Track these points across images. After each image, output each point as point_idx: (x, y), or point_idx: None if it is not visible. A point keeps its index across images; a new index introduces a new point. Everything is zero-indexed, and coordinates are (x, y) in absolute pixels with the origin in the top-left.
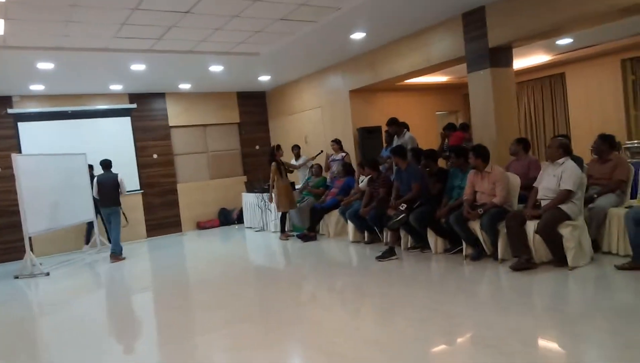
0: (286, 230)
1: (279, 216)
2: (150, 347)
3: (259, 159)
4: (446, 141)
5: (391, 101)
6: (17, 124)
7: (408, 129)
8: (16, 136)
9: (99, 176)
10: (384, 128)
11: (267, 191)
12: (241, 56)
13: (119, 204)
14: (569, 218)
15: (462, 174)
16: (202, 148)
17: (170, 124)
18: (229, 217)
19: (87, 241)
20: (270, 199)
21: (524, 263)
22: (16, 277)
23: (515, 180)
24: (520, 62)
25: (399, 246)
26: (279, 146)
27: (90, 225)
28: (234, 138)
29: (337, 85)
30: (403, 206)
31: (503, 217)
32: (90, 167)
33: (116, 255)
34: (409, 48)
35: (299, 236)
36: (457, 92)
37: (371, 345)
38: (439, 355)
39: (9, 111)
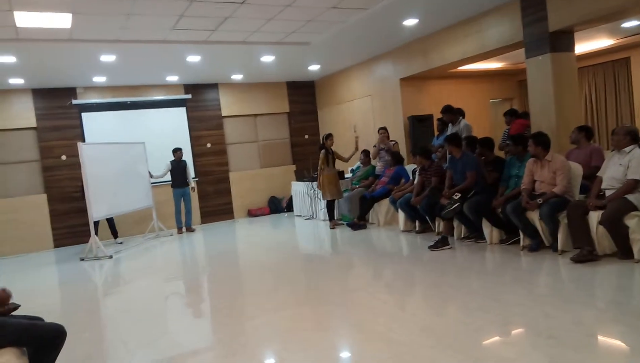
0: (335, 218)
1: (326, 205)
2: (209, 327)
3: (308, 148)
4: (505, 130)
5: (443, 88)
6: (81, 115)
7: (464, 117)
8: (80, 126)
9: (172, 161)
10: (436, 116)
11: (316, 179)
12: (292, 45)
13: (188, 185)
14: (635, 208)
15: (520, 163)
16: (253, 138)
17: (223, 114)
18: (279, 205)
19: (115, 235)
20: (318, 187)
21: (586, 254)
22: (82, 259)
23: (577, 169)
24: (582, 46)
25: (452, 236)
26: (329, 135)
27: (110, 221)
28: (283, 128)
29: (388, 73)
30: (457, 196)
31: (564, 207)
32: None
33: (189, 227)
34: (462, 34)
35: (348, 225)
36: (511, 78)
37: (427, 332)
38: (496, 345)
39: (74, 101)
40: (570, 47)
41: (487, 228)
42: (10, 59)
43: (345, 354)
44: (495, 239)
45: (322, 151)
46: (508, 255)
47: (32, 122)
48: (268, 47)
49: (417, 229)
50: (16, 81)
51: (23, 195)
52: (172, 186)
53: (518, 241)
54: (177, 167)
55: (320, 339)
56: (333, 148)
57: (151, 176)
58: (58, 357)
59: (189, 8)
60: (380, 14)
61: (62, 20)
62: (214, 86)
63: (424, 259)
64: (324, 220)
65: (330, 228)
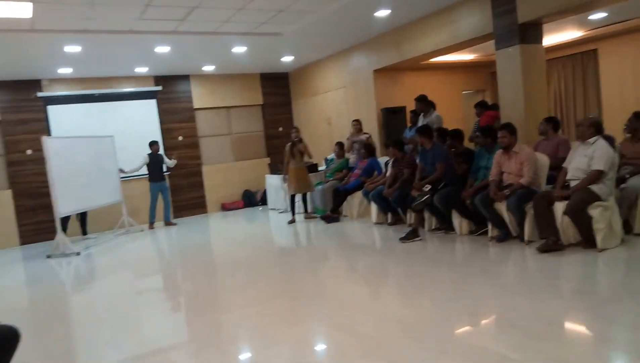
0: (303, 211)
1: (289, 198)
2: (181, 323)
3: (282, 141)
4: (475, 122)
5: (416, 80)
6: (46, 108)
7: (435, 109)
8: (46, 119)
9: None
10: (409, 108)
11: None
12: (264, 36)
13: (165, 179)
14: (599, 198)
15: (489, 154)
16: (226, 130)
17: (195, 106)
18: (253, 199)
19: (85, 232)
20: (285, 181)
21: (551, 244)
22: (48, 256)
23: (544, 160)
24: (550, 38)
25: (422, 228)
26: (294, 128)
27: (82, 215)
28: (257, 120)
29: (361, 64)
30: (427, 187)
31: (530, 198)
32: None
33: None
34: (435, 25)
35: (322, 218)
36: (484, 70)
37: (395, 324)
38: (464, 335)
39: (39, 94)
40: (539, 39)
41: (456, 219)
42: None
43: (317, 347)
44: (464, 230)
45: (288, 144)
46: (477, 245)
47: None
48: (239, 37)
49: (389, 221)
50: None
51: None
52: (149, 180)
53: (486, 232)
54: (155, 160)
55: (291, 333)
56: (303, 142)
57: (122, 171)
58: (15, 359)
59: None
60: (352, 4)
61: (22, 10)
62: (185, 78)
63: (395, 251)
64: (298, 213)
65: (289, 223)
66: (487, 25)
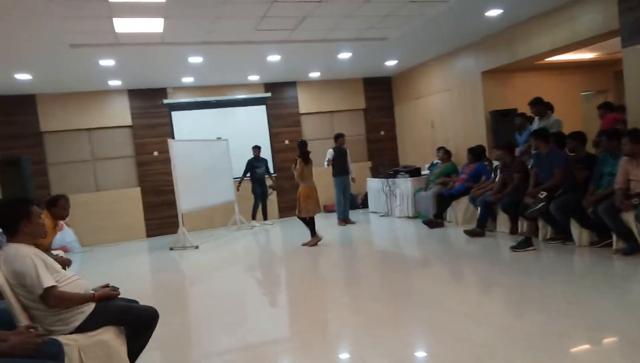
0: (316, 233)
1: (308, 221)
2: (287, 317)
3: (384, 144)
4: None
5: (528, 81)
6: (171, 113)
7: (552, 111)
8: (170, 124)
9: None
10: (521, 110)
11: (392, 176)
12: (370, 41)
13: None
14: None
15: (614, 160)
16: (329, 134)
17: (301, 111)
18: (354, 202)
19: (254, 217)
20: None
21: None
22: (171, 249)
23: None
24: None
25: (536, 237)
26: (305, 142)
27: (256, 201)
28: (359, 124)
29: (469, 66)
30: (543, 194)
31: None
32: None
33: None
34: (551, 23)
35: (425, 223)
36: (606, 69)
37: (504, 334)
38: (580, 353)
39: (164, 101)
40: None
41: (575, 229)
42: (110, 62)
43: (419, 353)
44: (584, 241)
45: (298, 159)
46: (599, 258)
47: (128, 120)
48: (346, 44)
49: (496, 229)
50: (115, 83)
51: (120, 188)
52: (333, 176)
53: (610, 244)
54: (339, 154)
55: (393, 338)
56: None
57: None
58: (152, 337)
59: (270, 9)
60: (462, 5)
61: (155, 25)
62: (292, 84)
63: (505, 260)
64: (399, 217)
65: (311, 245)
66: (611, 21)
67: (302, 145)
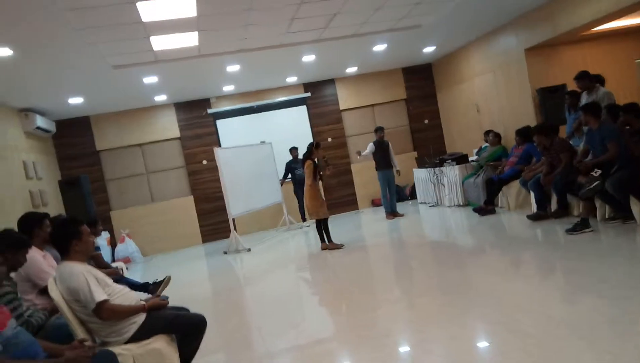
0: (331, 239)
1: (320, 225)
2: (339, 316)
3: (429, 133)
4: None
5: (576, 53)
6: (215, 122)
7: (602, 84)
8: (216, 132)
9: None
10: (569, 86)
11: (438, 165)
12: (403, 30)
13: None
14: None
15: None
16: (371, 128)
17: (341, 108)
18: (402, 193)
19: (304, 218)
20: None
21: None
22: (225, 253)
23: None
24: None
25: (594, 218)
26: (319, 144)
27: (300, 202)
28: (402, 115)
29: (510, 45)
30: (597, 172)
31: None
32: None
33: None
34: None
35: (475, 210)
36: None
37: (558, 324)
38: None
39: (209, 111)
40: None
41: (635, 206)
42: (153, 79)
43: (475, 345)
44: None
45: (309, 161)
46: None
47: (176, 133)
48: (379, 35)
49: (551, 212)
50: (160, 98)
51: (174, 198)
52: (376, 169)
53: None
54: (380, 148)
55: (443, 332)
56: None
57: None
58: (204, 342)
59: (298, 10)
60: None
61: (190, 39)
62: (330, 82)
63: (561, 244)
64: (449, 206)
65: (324, 249)
66: None
67: (312, 148)
